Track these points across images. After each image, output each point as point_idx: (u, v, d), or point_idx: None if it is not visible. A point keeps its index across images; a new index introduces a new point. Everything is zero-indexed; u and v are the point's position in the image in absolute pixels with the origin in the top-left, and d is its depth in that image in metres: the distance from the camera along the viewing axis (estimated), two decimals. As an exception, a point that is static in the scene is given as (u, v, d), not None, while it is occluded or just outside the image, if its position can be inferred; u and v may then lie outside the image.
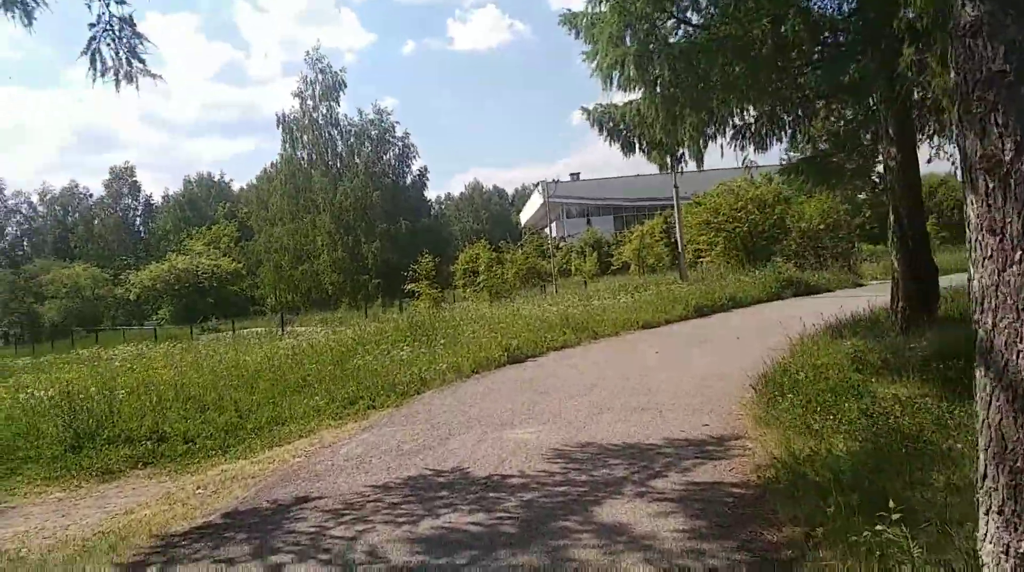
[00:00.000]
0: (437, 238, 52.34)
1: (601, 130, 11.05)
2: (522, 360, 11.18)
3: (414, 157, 51.70)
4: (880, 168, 10.83)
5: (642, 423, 6.59)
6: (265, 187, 53.79)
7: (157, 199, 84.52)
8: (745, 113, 9.93)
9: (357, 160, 48.88)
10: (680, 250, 22.56)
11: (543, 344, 12.20)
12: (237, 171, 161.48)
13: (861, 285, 21.62)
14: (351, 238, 47.71)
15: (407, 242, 44.99)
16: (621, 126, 10.89)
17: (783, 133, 10.99)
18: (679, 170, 11.26)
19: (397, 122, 52.51)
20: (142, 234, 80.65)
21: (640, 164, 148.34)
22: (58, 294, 54.59)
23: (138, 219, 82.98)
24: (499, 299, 22.86)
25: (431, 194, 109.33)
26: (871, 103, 9.96)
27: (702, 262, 27.81)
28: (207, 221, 65.10)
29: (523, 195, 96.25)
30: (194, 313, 43.56)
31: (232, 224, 62.75)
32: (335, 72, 49.12)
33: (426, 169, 53.07)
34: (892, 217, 9.45)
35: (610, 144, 11.13)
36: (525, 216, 76.86)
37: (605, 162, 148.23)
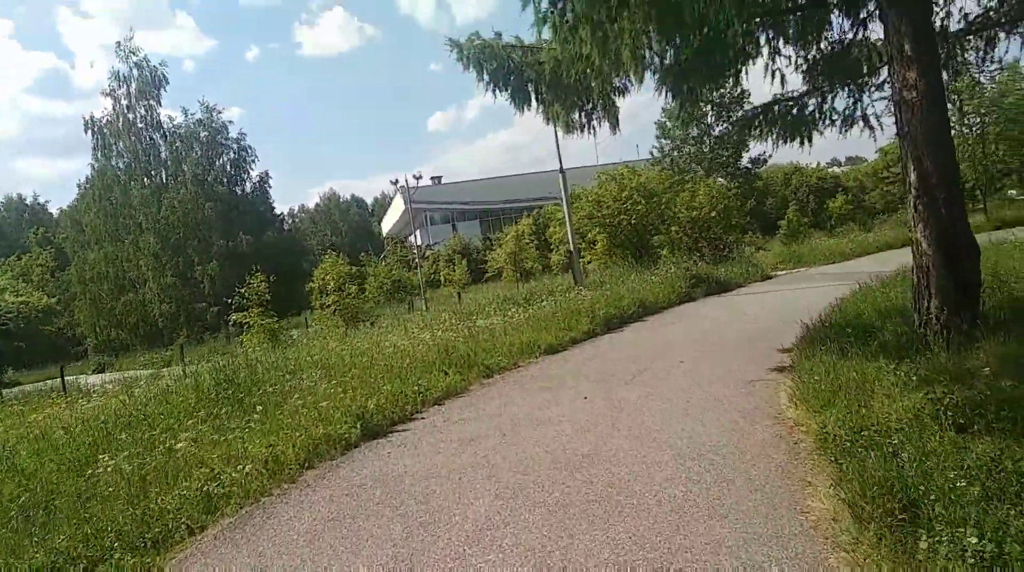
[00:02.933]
0: (288, 253, 46.37)
1: (481, 73, 7.43)
2: (385, 432, 7.21)
3: (252, 161, 45.26)
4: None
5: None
6: (80, 206, 45.47)
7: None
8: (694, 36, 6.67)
9: (184, 168, 41.80)
10: (574, 249, 19.38)
11: (416, 397, 8.27)
12: (67, 195, 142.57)
13: (770, 277, 19.42)
14: (182, 259, 40.80)
15: (251, 260, 38.87)
16: (508, 65, 7.33)
17: (730, 70, 7.94)
18: (591, 133, 7.89)
19: (230, 121, 46.18)
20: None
21: (507, 162, 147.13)
22: None
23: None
24: (357, 324, 18.57)
25: (283, 207, 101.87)
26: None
27: (581, 262, 24.91)
28: (18, 250, 54.46)
29: (383, 204, 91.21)
30: (-1, 360, 35.26)
31: (47, 253, 53.00)
32: (154, 67, 42.05)
33: (268, 174, 46.70)
34: (913, 173, 6.45)
35: (495, 93, 7.58)
36: (387, 225, 72.13)
37: (461, 172, 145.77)
